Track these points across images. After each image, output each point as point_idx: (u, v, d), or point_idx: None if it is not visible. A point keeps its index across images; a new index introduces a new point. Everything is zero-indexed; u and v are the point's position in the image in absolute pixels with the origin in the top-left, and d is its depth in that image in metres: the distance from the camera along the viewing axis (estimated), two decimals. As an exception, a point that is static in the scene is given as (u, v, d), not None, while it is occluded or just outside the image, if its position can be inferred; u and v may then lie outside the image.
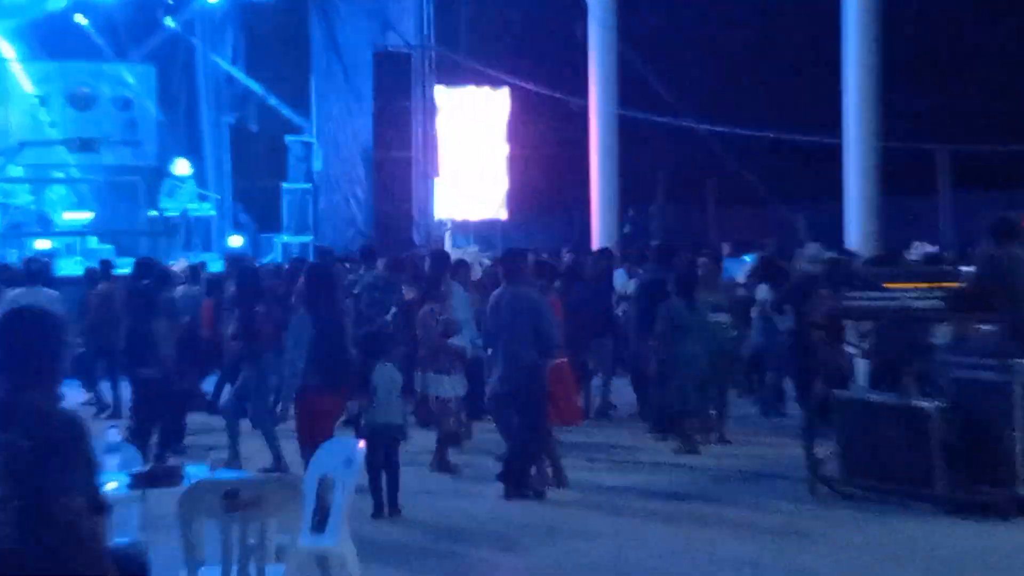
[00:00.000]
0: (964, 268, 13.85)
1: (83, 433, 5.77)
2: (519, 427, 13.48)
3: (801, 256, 18.85)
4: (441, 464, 14.77)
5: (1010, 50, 31.59)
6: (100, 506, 5.86)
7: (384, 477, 12.54)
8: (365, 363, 12.86)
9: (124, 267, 21.65)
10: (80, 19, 32.90)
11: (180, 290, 18.76)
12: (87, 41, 33.11)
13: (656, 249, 19.22)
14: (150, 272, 17.05)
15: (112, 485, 8.65)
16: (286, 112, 33.57)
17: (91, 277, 21.53)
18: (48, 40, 33.00)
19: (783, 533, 11.89)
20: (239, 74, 34.35)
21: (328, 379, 11.90)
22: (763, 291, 18.31)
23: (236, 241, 30.11)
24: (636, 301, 17.58)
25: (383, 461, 12.49)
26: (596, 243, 30.04)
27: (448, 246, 27.97)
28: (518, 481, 13.38)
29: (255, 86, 33.76)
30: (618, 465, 15.17)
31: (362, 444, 9.65)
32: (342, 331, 12.29)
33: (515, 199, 31.78)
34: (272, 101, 33.63)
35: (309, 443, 11.02)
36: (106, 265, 22.27)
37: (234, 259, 22.22)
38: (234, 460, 14.41)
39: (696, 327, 15.94)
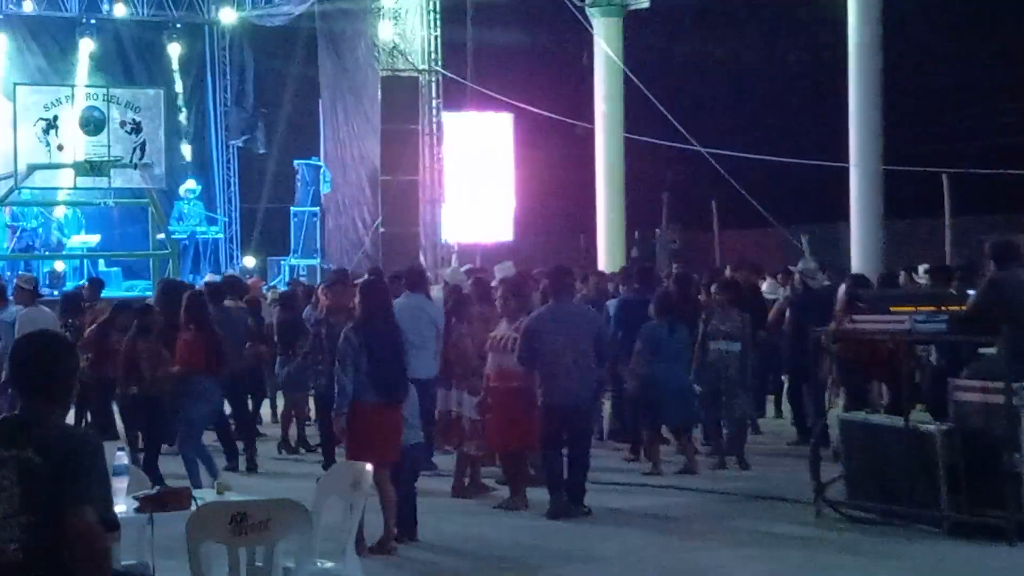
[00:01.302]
0: (969, 291, 13.86)
1: (96, 450, 5.86)
2: (581, 440, 13.72)
3: (807, 273, 18.83)
4: (470, 487, 14.75)
5: (1012, 74, 31.66)
6: (111, 524, 5.94)
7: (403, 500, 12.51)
8: None
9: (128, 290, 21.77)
10: (89, 43, 33.07)
11: None
12: (97, 64, 33.26)
13: (638, 271, 19.35)
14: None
15: (119, 508, 8.71)
16: (295, 135, 33.69)
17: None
18: (59, 63, 33.17)
19: (789, 556, 11.92)
20: (249, 97, 34.49)
21: (385, 394, 11.96)
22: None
23: (249, 262, 30.17)
24: (614, 322, 17.52)
25: (404, 481, 12.47)
26: (603, 265, 30.08)
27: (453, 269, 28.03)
28: (579, 497, 13.57)
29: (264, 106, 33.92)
30: (626, 487, 15.18)
31: (370, 467, 9.67)
32: (397, 346, 12.27)
33: (522, 222, 31.86)
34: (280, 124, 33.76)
35: (372, 459, 10.88)
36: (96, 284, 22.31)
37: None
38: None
39: (674, 349, 16.01)
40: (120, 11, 32.52)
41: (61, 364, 6.06)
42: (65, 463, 5.70)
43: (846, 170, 26.64)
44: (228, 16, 34.14)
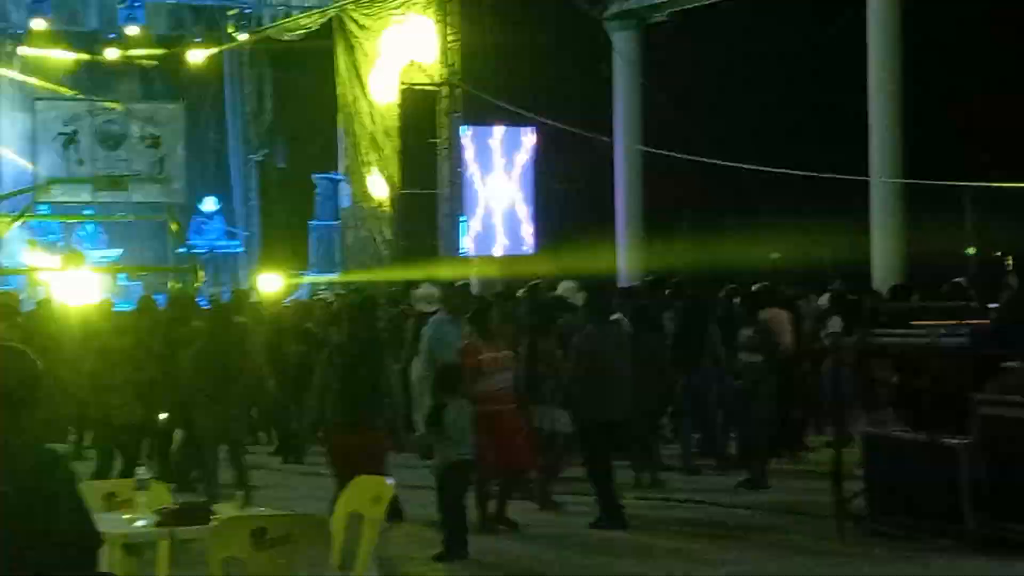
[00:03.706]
0: (991, 305, 13.82)
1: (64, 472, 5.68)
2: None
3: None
4: (544, 500, 14.77)
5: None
6: (88, 544, 5.76)
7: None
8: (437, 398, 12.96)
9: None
10: (109, 57, 33.17)
11: None
12: (117, 79, 33.37)
13: (648, 283, 19.50)
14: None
15: (141, 523, 8.69)
16: (313, 149, 33.73)
17: None
18: (78, 78, 33.26)
19: (811, 571, 11.87)
20: (267, 112, 34.57)
21: (353, 414, 12.03)
22: (835, 324, 18.47)
23: (269, 280, 30.12)
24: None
25: (454, 498, 12.45)
26: (622, 278, 30.05)
27: (473, 283, 28.02)
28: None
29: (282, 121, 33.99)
30: (646, 503, 15.13)
31: (391, 482, 9.64)
32: (377, 366, 12.34)
33: (541, 235, 31.82)
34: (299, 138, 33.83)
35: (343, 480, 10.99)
36: None
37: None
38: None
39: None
40: (139, 27, 32.57)
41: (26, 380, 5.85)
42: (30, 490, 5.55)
43: (867, 184, 26.58)
44: (243, 34, 34.18)
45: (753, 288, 19.42)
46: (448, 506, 12.34)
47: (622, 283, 28.02)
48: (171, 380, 15.91)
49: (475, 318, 14.08)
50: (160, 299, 22.63)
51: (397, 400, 12.83)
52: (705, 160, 29.54)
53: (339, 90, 32.63)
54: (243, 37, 34.52)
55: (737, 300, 18.04)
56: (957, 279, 20.65)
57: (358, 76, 32.14)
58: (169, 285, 28.18)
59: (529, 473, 14.51)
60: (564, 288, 19.09)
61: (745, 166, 29.54)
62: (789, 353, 17.93)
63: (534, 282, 19.86)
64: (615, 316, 17.20)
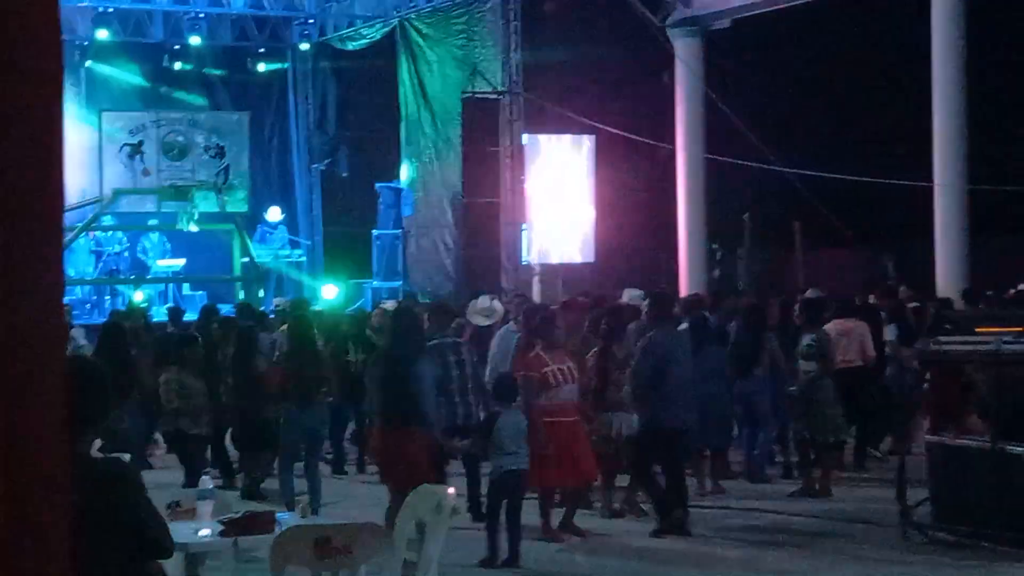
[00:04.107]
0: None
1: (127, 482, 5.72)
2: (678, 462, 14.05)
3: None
4: (632, 505, 14.85)
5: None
6: (155, 551, 5.80)
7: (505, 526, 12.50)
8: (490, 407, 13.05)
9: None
10: (173, 68, 33.47)
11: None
12: (181, 89, 33.65)
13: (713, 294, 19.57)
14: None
15: (205, 532, 8.77)
16: (376, 158, 33.85)
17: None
18: (143, 89, 33.55)
19: (874, 580, 11.85)
20: (331, 121, 34.74)
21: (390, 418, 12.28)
22: (891, 331, 18.53)
23: (331, 291, 30.31)
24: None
25: (507, 509, 12.45)
26: (685, 287, 30.00)
27: (535, 291, 28.05)
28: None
29: (346, 130, 34.15)
30: (697, 511, 15.11)
31: (452, 491, 9.68)
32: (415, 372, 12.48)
33: (602, 243, 31.80)
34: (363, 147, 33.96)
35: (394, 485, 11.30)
36: (175, 312, 22.62)
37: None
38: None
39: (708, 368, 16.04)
40: (203, 37, 32.83)
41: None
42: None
43: (931, 188, 26.44)
44: (307, 42, 34.39)
45: (808, 296, 19.40)
46: (495, 514, 12.36)
47: (685, 292, 27.98)
48: (242, 389, 16.14)
49: (540, 329, 14.08)
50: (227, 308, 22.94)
51: (429, 405, 12.69)
52: (768, 167, 29.47)
53: (401, 99, 32.74)
54: (306, 47, 34.72)
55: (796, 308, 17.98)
56: (1023, 286, 20.54)
57: (420, 85, 32.25)
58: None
59: (591, 483, 14.51)
60: (630, 295, 19.11)
61: (809, 173, 29.44)
62: (860, 363, 17.90)
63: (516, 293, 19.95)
64: (682, 325, 17.25)
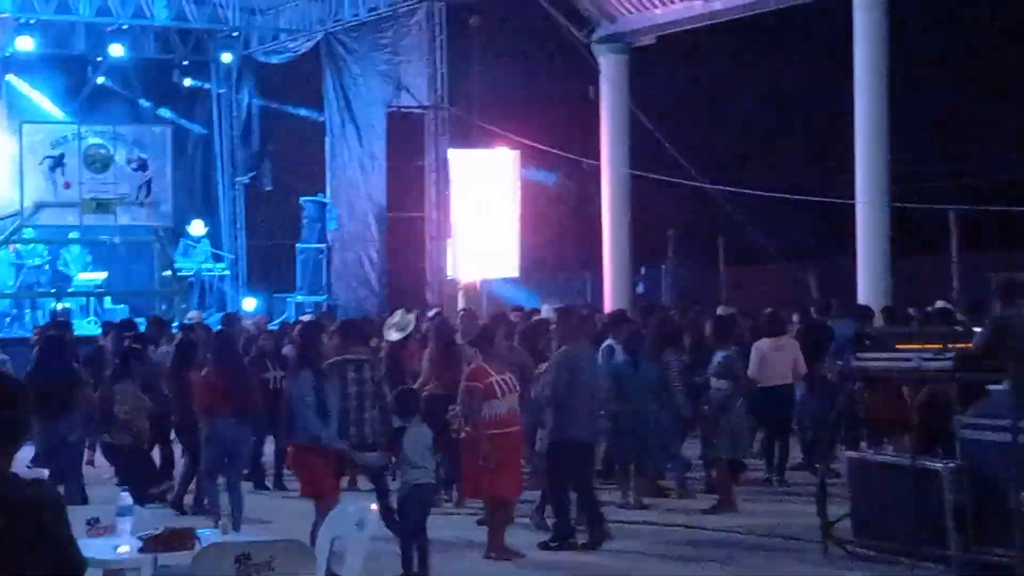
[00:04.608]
0: (975, 328, 13.83)
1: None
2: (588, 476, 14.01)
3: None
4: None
5: (1016, 112, 31.70)
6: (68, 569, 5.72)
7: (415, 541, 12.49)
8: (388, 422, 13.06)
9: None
10: (96, 81, 33.22)
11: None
12: (104, 102, 33.38)
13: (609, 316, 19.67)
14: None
15: (124, 549, 8.69)
16: (301, 172, 33.72)
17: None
18: (65, 101, 33.28)
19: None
20: (254, 134, 34.58)
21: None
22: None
23: (250, 303, 30.15)
24: None
25: (415, 523, 12.46)
26: (609, 302, 30.07)
27: (459, 306, 28.01)
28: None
29: (270, 143, 34.00)
30: (616, 527, 15.12)
31: (374, 507, 9.66)
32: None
33: (527, 259, 31.84)
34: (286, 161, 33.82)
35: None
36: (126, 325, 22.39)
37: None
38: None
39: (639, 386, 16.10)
40: (121, 49, 32.60)
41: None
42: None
43: (853, 206, 26.63)
44: (228, 56, 34.22)
45: (719, 313, 19.51)
46: (408, 529, 12.34)
47: (609, 308, 28.06)
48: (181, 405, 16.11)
49: (479, 341, 14.11)
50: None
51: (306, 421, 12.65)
52: (691, 183, 29.60)
53: (326, 113, 32.67)
54: (230, 60, 34.56)
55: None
56: (942, 302, 20.73)
57: (345, 99, 32.18)
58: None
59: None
60: (546, 310, 19.19)
61: (732, 189, 29.60)
62: (791, 381, 18.05)
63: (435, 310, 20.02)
64: (608, 342, 17.29)
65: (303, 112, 33.82)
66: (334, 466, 12.45)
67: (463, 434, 13.65)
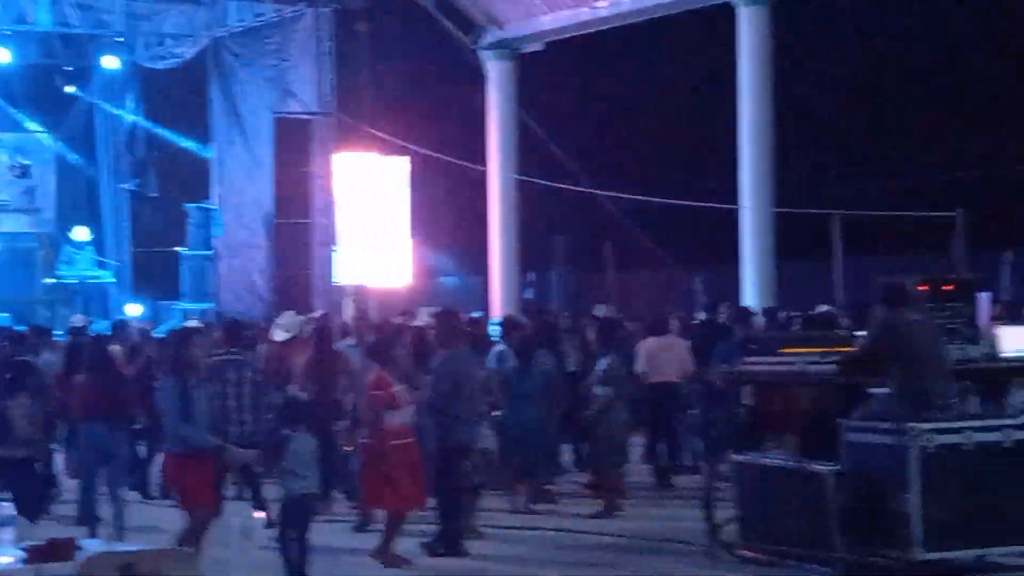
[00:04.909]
0: (857, 332, 13.99)
1: None
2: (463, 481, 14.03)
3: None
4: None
5: (901, 117, 32.17)
6: None
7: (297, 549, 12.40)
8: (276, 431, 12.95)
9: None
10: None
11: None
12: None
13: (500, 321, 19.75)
14: None
15: (5, 560, 8.55)
16: (186, 178, 33.42)
17: None
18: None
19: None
20: (139, 140, 34.22)
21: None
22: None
23: (135, 310, 29.85)
24: None
25: (297, 532, 12.38)
26: (497, 308, 30.11)
27: (347, 313, 27.90)
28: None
29: (155, 150, 33.63)
30: (509, 532, 15.13)
31: (259, 514, 9.59)
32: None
33: (417, 264, 31.79)
34: (172, 167, 33.48)
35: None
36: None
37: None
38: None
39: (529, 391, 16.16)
40: (8, 55, 32.13)
41: None
42: None
43: (738, 212, 26.87)
44: (115, 61, 33.76)
45: (600, 316, 19.60)
46: (288, 538, 12.23)
47: (498, 313, 28.10)
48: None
49: (378, 350, 14.07)
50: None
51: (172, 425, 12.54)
52: (579, 189, 29.73)
53: (212, 118, 32.41)
54: (115, 65, 34.14)
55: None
56: (825, 307, 20.95)
57: (232, 105, 31.96)
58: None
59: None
60: (426, 316, 19.21)
61: (619, 195, 29.77)
62: (676, 379, 18.20)
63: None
64: (499, 347, 17.31)
65: (189, 118, 33.45)
66: (210, 474, 12.26)
67: (364, 444, 13.61)
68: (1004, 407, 13.24)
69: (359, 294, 30.04)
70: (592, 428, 16.46)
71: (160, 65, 33.70)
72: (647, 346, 18.16)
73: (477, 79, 31.72)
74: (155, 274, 33.59)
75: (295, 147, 30.34)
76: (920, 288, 13.09)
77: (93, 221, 33.93)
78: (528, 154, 31.14)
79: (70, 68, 34.16)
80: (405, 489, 13.29)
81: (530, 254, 32.50)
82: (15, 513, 9.23)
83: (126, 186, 34.96)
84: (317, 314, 23.03)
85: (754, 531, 13.02)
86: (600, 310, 22.55)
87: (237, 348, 15.66)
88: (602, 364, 16.45)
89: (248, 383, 14.89)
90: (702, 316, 21.76)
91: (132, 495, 16.41)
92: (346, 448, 15.78)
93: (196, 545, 10.37)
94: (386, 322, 20.24)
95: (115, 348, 17.70)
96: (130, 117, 34.64)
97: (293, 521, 12.26)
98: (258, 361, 16.86)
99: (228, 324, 16.62)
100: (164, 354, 17.43)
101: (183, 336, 13.45)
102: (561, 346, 18.41)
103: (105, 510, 14.81)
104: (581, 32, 30.22)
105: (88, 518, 14.64)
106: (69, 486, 16.42)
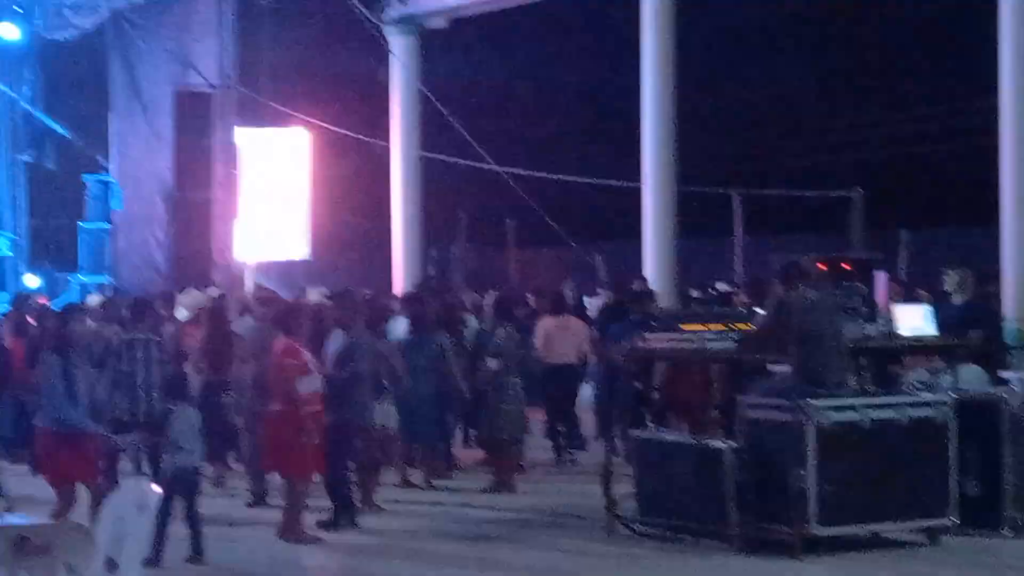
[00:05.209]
0: (757, 310, 14.12)
1: None
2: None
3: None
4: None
5: (802, 99, 32.45)
6: None
7: (187, 524, 12.36)
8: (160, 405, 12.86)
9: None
10: None
11: None
12: None
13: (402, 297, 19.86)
14: None
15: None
16: (85, 150, 33.01)
17: None
18: None
19: (577, 572, 12.03)
20: (37, 111, 33.75)
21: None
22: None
23: (32, 281, 29.49)
24: None
25: (186, 505, 12.32)
26: (400, 283, 30.05)
27: (248, 287, 27.72)
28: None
29: (53, 123, 33.16)
30: (408, 507, 15.14)
31: (156, 488, 9.53)
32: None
33: (318, 240, 31.63)
34: (70, 139, 33.03)
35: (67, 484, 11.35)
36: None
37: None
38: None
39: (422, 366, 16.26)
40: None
41: None
42: None
43: (639, 189, 26.98)
44: (13, 30, 33.23)
45: (497, 294, 19.67)
46: (168, 510, 12.15)
47: (400, 289, 28.06)
48: None
49: (284, 320, 14.02)
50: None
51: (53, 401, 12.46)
52: (481, 165, 29.74)
53: (112, 90, 32.03)
54: (13, 35, 33.63)
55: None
56: (723, 284, 21.13)
57: (132, 78, 31.61)
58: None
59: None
60: (317, 295, 19.21)
61: (521, 172, 29.80)
62: (574, 360, 18.27)
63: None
64: (400, 321, 17.34)
65: (89, 89, 33.01)
66: (85, 451, 12.19)
67: (266, 412, 13.59)
68: (900, 385, 13.44)
69: (259, 269, 29.86)
70: (483, 401, 16.53)
71: (59, 36, 33.25)
72: (545, 325, 18.23)
73: (381, 53, 31.58)
74: (53, 246, 33.19)
75: (196, 121, 30.06)
76: (818, 267, 13.24)
77: (-11, 194, 33.49)
78: (432, 130, 31.08)
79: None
80: (309, 456, 13.29)
81: (433, 230, 32.47)
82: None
83: (23, 157, 34.51)
84: (216, 293, 22.89)
85: (652, 506, 13.12)
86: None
87: (143, 327, 15.62)
88: (495, 337, 16.57)
89: (155, 363, 14.90)
90: (602, 293, 21.85)
91: (23, 468, 16.25)
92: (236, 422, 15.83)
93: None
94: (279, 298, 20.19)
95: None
96: (28, 88, 34.18)
97: (178, 493, 12.23)
98: (165, 341, 16.75)
99: (135, 303, 16.53)
100: (46, 331, 17.28)
101: (66, 313, 13.36)
102: (460, 324, 18.42)
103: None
104: (485, 9, 30.18)
105: None
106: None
